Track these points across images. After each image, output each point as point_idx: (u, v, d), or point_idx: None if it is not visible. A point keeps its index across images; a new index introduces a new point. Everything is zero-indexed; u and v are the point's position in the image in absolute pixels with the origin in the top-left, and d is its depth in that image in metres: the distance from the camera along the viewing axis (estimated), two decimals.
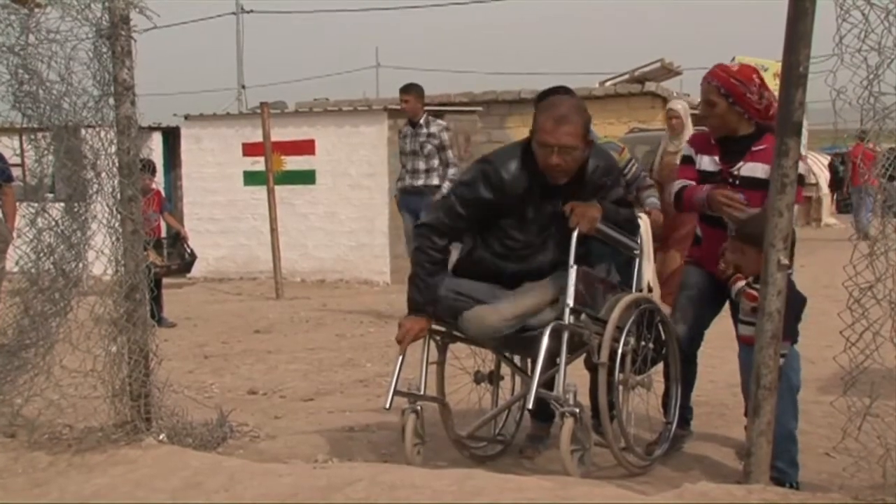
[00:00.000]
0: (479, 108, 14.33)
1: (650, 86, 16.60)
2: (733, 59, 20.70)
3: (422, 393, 3.71)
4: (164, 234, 9.18)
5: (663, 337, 3.93)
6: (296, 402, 5.30)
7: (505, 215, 3.64)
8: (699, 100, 4.08)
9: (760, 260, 3.48)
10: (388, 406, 3.62)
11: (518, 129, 17.06)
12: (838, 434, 3.15)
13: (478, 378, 4.10)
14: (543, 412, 4.15)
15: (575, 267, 3.53)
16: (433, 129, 8.20)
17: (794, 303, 3.38)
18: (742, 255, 3.57)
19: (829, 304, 6.82)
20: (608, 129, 15.68)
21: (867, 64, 2.93)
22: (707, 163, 3.97)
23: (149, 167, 8.39)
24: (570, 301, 3.48)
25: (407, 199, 8.34)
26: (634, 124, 16.19)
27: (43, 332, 4.04)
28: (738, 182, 3.87)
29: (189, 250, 8.72)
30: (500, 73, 68.90)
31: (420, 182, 8.22)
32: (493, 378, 4.16)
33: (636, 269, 3.97)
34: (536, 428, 4.19)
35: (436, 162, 8.18)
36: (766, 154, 3.66)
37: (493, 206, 3.63)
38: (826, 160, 23.71)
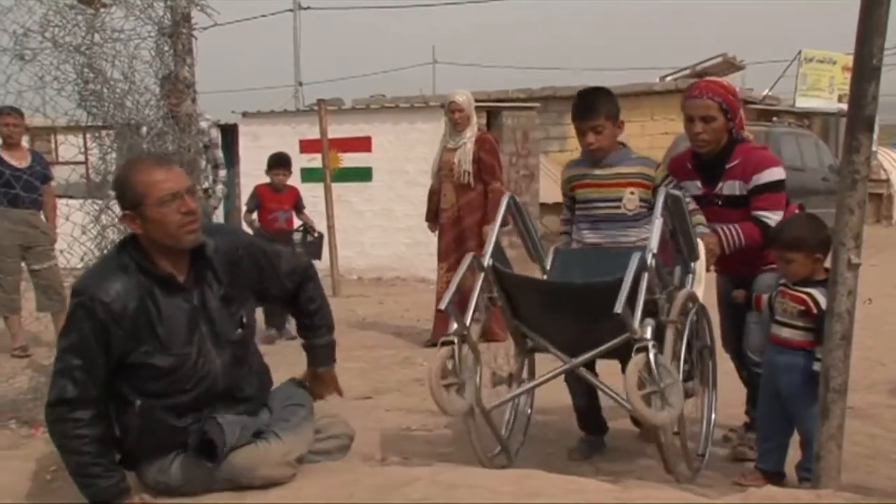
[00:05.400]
0: (537, 105, 14.23)
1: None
2: (800, 52, 20.13)
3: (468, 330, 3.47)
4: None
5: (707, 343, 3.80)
6: (353, 400, 5.30)
7: (136, 344, 2.87)
8: (696, 113, 3.84)
9: (809, 263, 3.44)
10: (443, 307, 3.40)
11: None
12: None
13: (496, 381, 3.84)
14: (596, 423, 4.10)
15: (661, 218, 3.42)
16: (202, 124, 6.74)
17: None
18: (787, 263, 3.49)
19: None
20: (669, 125, 15.48)
21: None
22: (690, 188, 3.96)
23: (282, 163, 7.63)
24: (654, 247, 3.35)
25: None
26: None
27: None
28: (721, 202, 3.90)
29: (315, 234, 7.83)
30: (558, 69, 68.51)
31: None
32: (512, 381, 3.86)
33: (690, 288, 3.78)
34: (589, 438, 4.12)
35: (202, 163, 6.75)
36: (738, 170, 3.83)
37: (111, 341, 2.83)
38: None
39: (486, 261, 3.63)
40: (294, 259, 3.43)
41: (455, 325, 3.47)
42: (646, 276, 3.27)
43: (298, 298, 3.37)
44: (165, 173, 2.93)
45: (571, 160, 4.13)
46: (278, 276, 3.27)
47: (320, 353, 3.42)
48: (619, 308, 3.11)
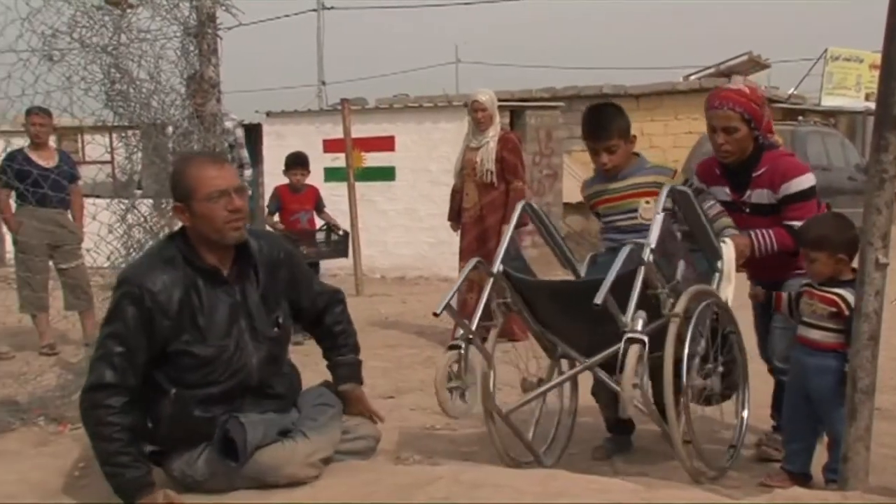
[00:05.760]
0: (561, 104, 14.18)
1: (737, 80, 16.20)
2: (826, 50, 19.94)
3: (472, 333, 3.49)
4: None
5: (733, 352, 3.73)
6: (376, 399, 5.28)
7: (178, 333, 2.94)
8: (717, 124, 3.78)
9: (831, 262, 3.39)
10: (439, 311, 3.42)
11: None
12: None
13: (526, 386, 3.78)
14: (623, 425, 4.05)
15: (662, 214, 3.40)
16: (227, 124, 6.44)
17: None
18: (811, 262, 3.46)
19: None
20: (693, 124, 15.38)
21: None
22: (719, 193, 3.93)
23: (300, 162, 7.57)
24: (653, 242, 3.32)
25: None
26: None
27: None
28: (749, 210, 3.85)
29: (340, 232, 7.85)
30: (581, 68, 68.08)
31: None
32: (542, 386, 3.80)
33: (715, 287, 3.74)
34: (615, 438, 4.10)
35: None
36: (765, 178, 3.78)
37: (155, 330, 2.90)
38: None
39: (496, 267, 3.63)
40: (325, 283, 3.55)
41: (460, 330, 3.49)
42: (642, 269, 3.27)
43: (324, 320, 3.44)
44: (217, 170, 3.02)
45: (588, 178, 4.13)
46: (311, 291, 3.37)
47: (343, 370, 3.44)
48: (598, 299, 3.12)
